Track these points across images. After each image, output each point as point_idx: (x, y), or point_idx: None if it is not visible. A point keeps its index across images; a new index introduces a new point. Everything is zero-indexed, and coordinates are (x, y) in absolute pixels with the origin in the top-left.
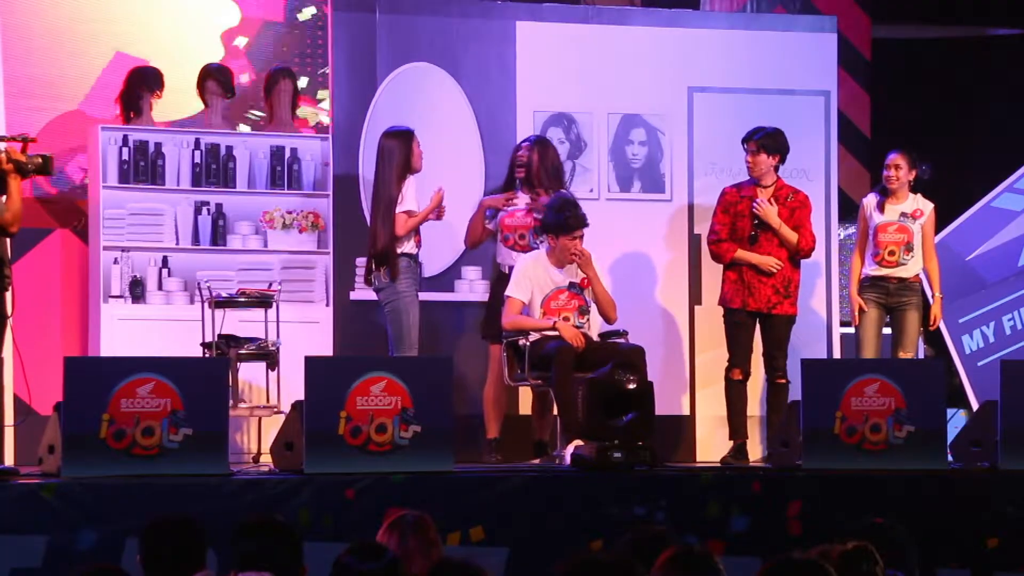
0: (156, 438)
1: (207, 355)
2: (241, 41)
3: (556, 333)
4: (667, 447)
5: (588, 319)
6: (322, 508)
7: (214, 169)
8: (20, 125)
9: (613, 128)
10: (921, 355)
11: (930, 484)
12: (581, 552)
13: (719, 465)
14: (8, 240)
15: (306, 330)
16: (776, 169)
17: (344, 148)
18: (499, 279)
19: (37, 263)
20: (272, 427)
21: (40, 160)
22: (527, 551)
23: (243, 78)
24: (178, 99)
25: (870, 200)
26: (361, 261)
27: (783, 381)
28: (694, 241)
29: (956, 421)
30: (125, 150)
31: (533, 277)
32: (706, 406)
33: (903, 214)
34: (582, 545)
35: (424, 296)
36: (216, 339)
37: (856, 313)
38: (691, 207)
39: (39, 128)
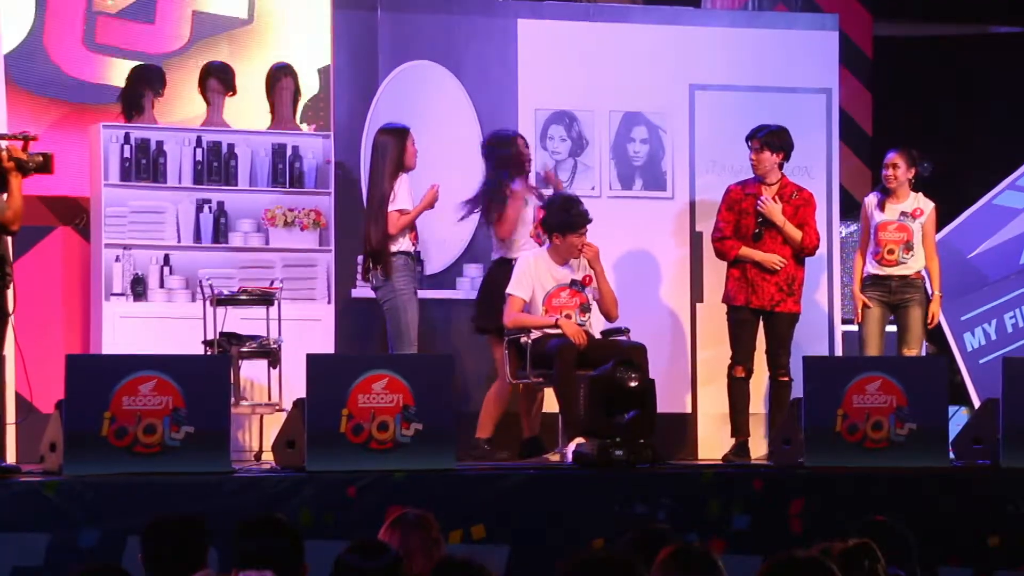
0: (158, 436)
1: (209, 353)
2: None
3: (558, 331)
4: (668, 445)
5: (589, 317)
6: (324, 506)
7: (216, 167)
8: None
9: (615, 126)
10: (923, 353)
11: (931, 482)
12: (582, 550)
13: (721, 463)
14: (9, 238)
15: (308, 328)
16: (780, 167)
17: (345, 146)
18: (505, 270)
19: (39, 261)
20: (274, 425)
21: (41, 158)
22: (528, 549)
23: None
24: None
25: (871, 199)
26: (361, 259)
27: (786, 379)
28: (696, 239)
29: (958, 419)
30: (127, 148)
31: (535, 275)
32: (708, 404)
33: (903, 213)
34: (583, 543)
35: (425, 294)
36: (218, 337)
37: (859, 311)
38: (693, 205)
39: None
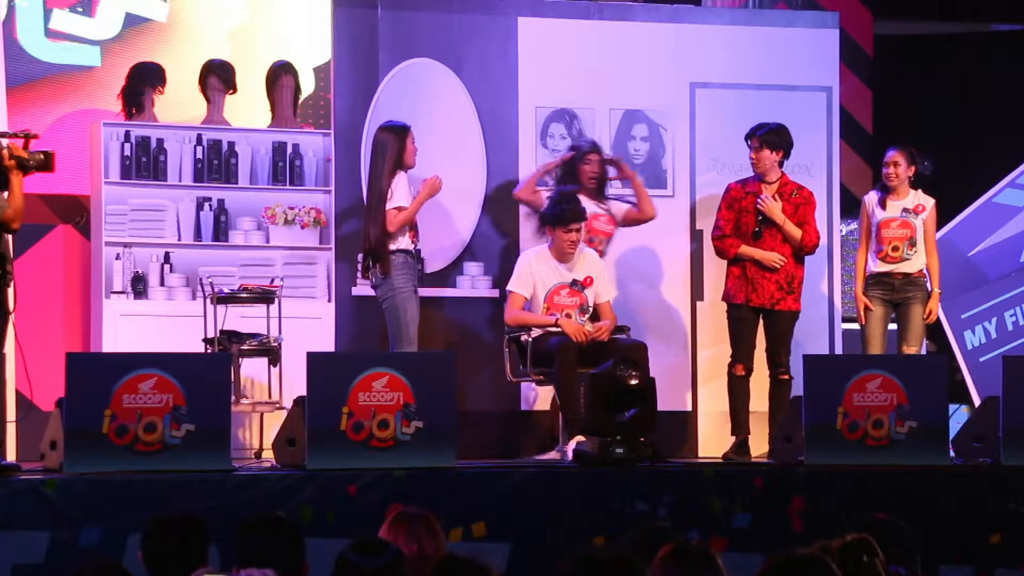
0: (158, 434)
1: (209, 351)
2: None
3: (559, 329)
4: (669, 443)
5: (589, 317)
6: (324, 504)
7: (216, 165)
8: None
9: (615, 124)
10: (923, 351)
11: (932, 480)
12: (584, 548)
13: (721, 461)
14: (10, 236)
15: (308, 326)
16: (780, 165)
17: (346, 144)
18: None
19: (39, 259)
20: (274, 423)
21: (42, 156)
22: (529, 547)
23: None
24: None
25: (871, 197)
26: (361, 257)
27: (786, 377)
28: (696, 237)
29: (958, 417)
30: (127, 146)
31: (536, 272)
32: (708, 402)
33: (905, 210)
34: (584, 541)
35: (426, 292)
36: (218, 335)
37: (862, 312)
38: (693, 203)
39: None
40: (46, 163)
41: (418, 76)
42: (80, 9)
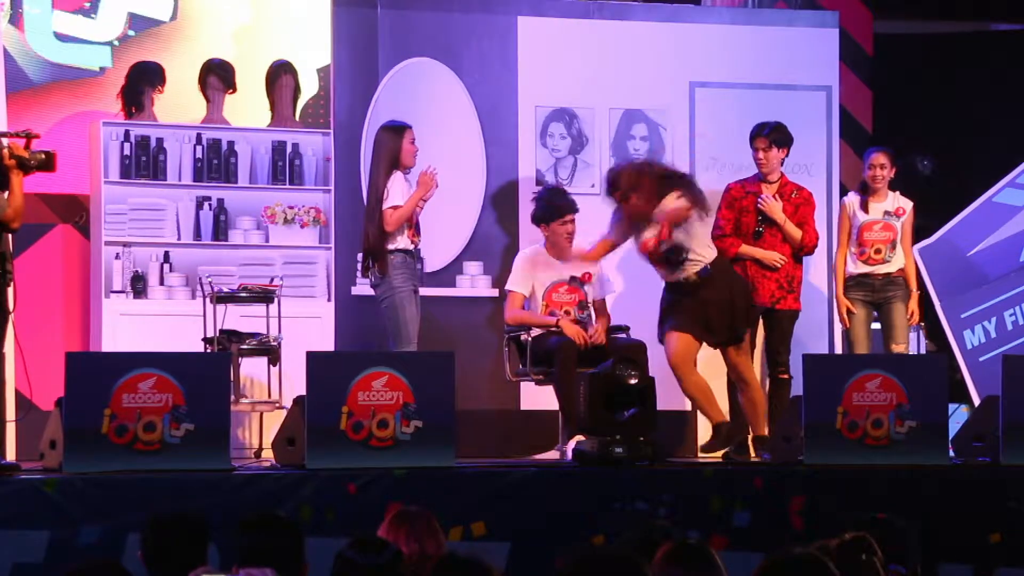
0: (158, 433)
1: (209, 350)
2: None
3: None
4: (668, 443)
5: (589, 313)
6: (324, 503)
7: (216, 164)
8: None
9: (615, 123)
10: (922, 350)
11: (932, 479)
12: (584, 547)
13: (721, 460)
14: (10, 236)
15: (308, 325)
16: (782, 163)
17: (345, 143)
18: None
19: (39, 258)
20: (274, 422)
21: (43, 156)
22: (529, 546)
23: None
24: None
25: (852, 199)
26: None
27: (786, 377)
28: None
29: (958, 416)
30: (127, 145)
31: (533, 270)
32: None
33: (887, 212)
34: (584, 540)
35: (426, 291)
36: (217, 334)
37: (844, 315)
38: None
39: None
40: (47, 163)
41: (418, 75)
42: (88, 6)
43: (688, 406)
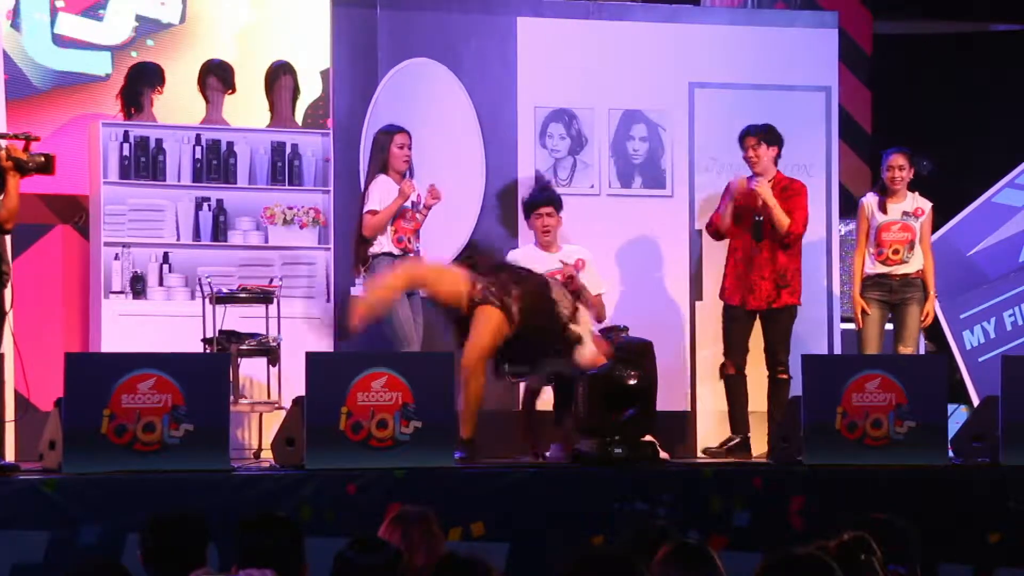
0: (157, 434)
1: (208, 351)
2: None
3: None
4: (668, 443)
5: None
6: (323, 503)
7: (215, 165)
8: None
9: (614, 124)
10: (922, 351)
11: (931, 480)
12: (582, 547)
13: (721, 451)
14: (8, 237)
15: (307, 326)
16: (775, 162)
17: (345, 144)
18: None
19: (38, 259)
20: (273, 423)
21: (42, 159)
22: (528, 547)
23: None
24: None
25: (870, 200)
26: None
27: (785, 376)
28: (695, 237)
29: (957, 417)
30: (126, 146)
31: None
32: (706, 402)
33: (905, 213)
34: (583, 541)
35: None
36: (217, 335)
37: (859, 315)
38: (692, 203)
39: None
40: (46, 166)
41: (417, 76)
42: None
43: (688, 407)
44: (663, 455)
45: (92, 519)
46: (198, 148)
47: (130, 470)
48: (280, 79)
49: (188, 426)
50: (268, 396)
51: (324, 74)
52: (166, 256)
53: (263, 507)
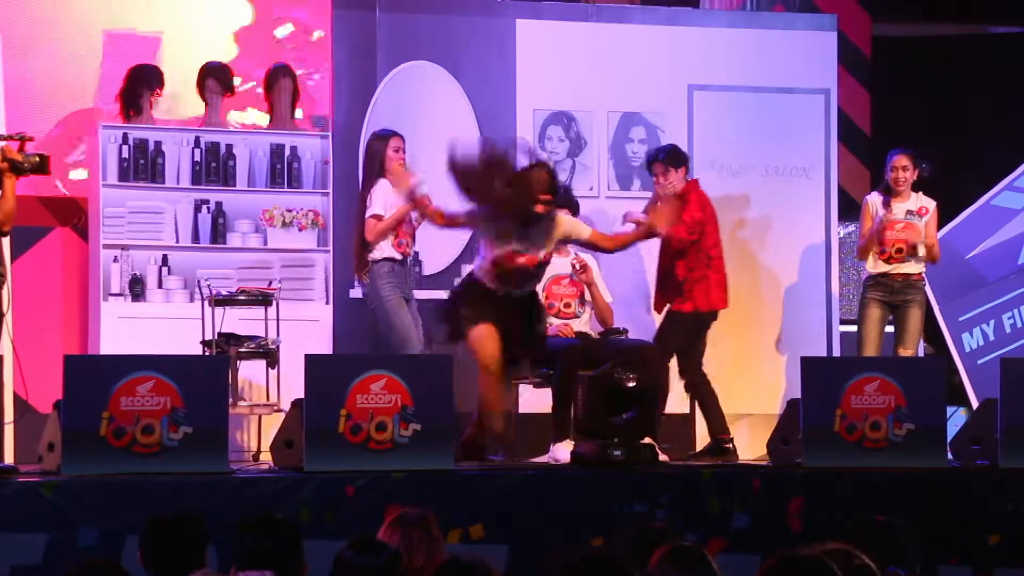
0: (156, 436)
1: (207, 353)
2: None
3: (555, 331)
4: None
5: (588, 309)
6: (322, 506)
7: (214, 167)
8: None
9: (613, 126)
10: (921, 353)
11: (930, 482)
12: (574, 549)
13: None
14: (5, 239)
15: (306, 328)
16: (684, 178)
17: (344, 146)
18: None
19: (37, 261)
20: (272, 425)
21: (37, 159)
22: (527, 549)
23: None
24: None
25: (874, 199)
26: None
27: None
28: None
29: (956, 419)
30: (125, 148)
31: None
32: None
33: (909, 212)
34: (583, 543)
35: (424, 294)
36: (216, 337)
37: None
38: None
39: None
40: (42, 166)
41: (416, 78)
42: None
43: (687, 409)
44: (662, 457)
45: (91, 521)
46: (197, 150)
47: (129, 472)
48: (279, 81)
49: (187, 428)
50: (267, 398)
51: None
52: (165, 258)
53: (262, 509)
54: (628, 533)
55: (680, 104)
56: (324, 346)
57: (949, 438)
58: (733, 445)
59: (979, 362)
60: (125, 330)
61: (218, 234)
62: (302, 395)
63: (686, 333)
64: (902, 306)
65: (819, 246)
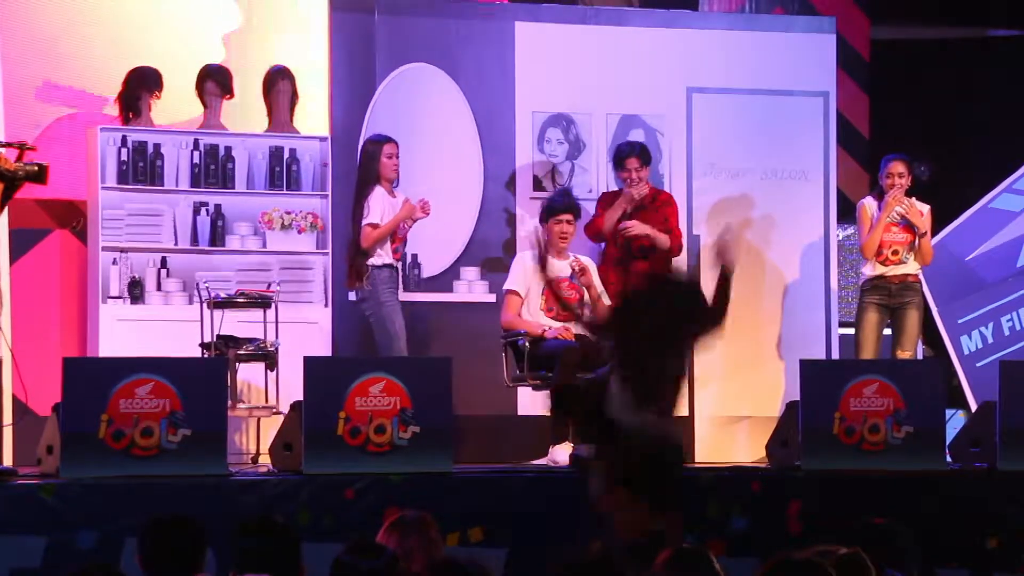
0: (155, 438)
1: (206, 356)
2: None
3: (555, 334)
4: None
5: (587, 311)
6: (321, 508)
7: (213, 170)
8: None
9: (612, 129)
10: (920, 356)
11: (929, 485)
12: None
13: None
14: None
15: (305, 331)
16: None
17: (343, 149)
18: None
19: (36, 264)
20: (271, 427)
21: (35, 168)
22: (526, 552)
23: None
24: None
25: (870, 203)
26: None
27: None
28: (693, 242)
29: (955, 422)
30: (124, 151)
31: (533, 269)
32: (705, 407)
33: (903, 217)
34: (581, 546)
35: (423, 297)
36: (215, 339)
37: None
38: (690, 208)
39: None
40: (39, 175)
41: (415, 81)
42: None
43: (685, 411)
44: None
45: (90, 524)
46: (196, 153)
47: (128, 475)
48: (278, 84)
49: (186, 431)
50: (266, 401)
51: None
52: (164, 261)
53: (261, 512)
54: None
55: (679, 107)
56: (323, 348)
57: (948, 441)
58: None
59: (978, 365)
60: (124, 332)
61: (217, 237)
62: (301, 397)
63: None
64: (900, 308)
65: (818, 249)
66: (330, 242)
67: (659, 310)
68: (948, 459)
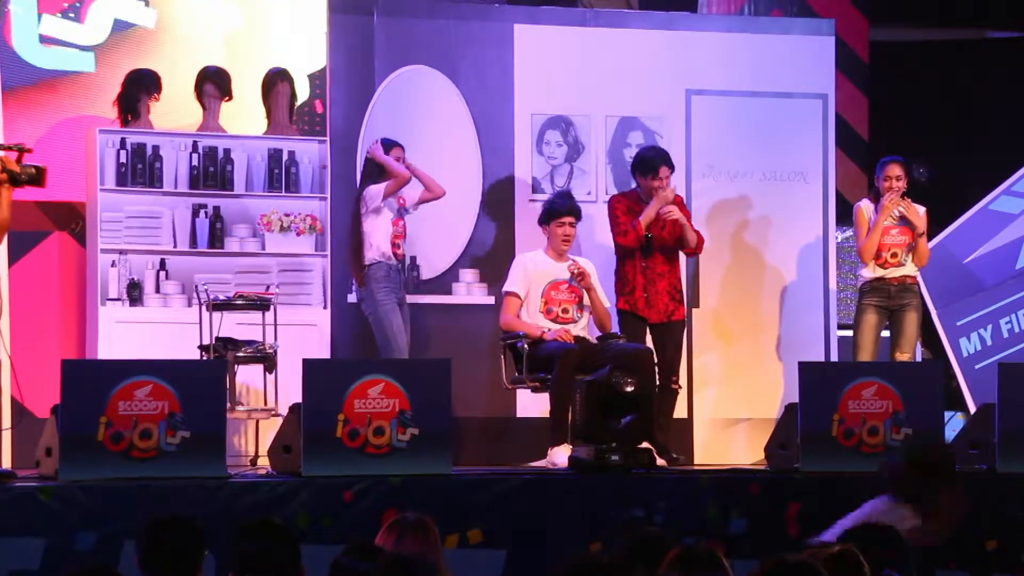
0: (154, 440)
1: (205, 358)
2: None
3: (554, 336)
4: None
5: (587, 314)
6: (320, 510)
7: (212, 172)
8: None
9: (611, 131)
10: (919, 358)
11: None
12: (579, 554)
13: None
14: (1, 246)
15: (304, 333)
16: None
17: (342, 151)
18: None
19: (35, 266)
20: (270, 430)
21: (34, 171)
22: (525, 554)
23: None
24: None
25: (867, 206)
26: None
27: (678, 387)
28: None
29: (954, 424)
30: (123, 153)
31: (532, 270)
32: (704, 408)
33: (902, 217)
34: (581, 547)
35: (422, 299)
36: (214, 342)
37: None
38: (689, 210)
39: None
40: (37, 178)
41: (414, 83)
42: (71, 15)
43: (685, 413)
44: (660, 462)
45: (89, 526)
46: (195, 155)
47: (127, 477)
48: (277, 86)
49: (185, 433)
50: (265, 403)
51: (312, 77)
52: (163, 263)
53: (260, 514)
54: (627, 538)
55: (678, 109)
56: (322, 350)
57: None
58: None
59: (977, 367)
60: (123, 335)
61: (216, 239)
62: (300, 400)
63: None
64: (899, 310)
65: (817, 251)
66: (329, 244)
67: None
68: None
